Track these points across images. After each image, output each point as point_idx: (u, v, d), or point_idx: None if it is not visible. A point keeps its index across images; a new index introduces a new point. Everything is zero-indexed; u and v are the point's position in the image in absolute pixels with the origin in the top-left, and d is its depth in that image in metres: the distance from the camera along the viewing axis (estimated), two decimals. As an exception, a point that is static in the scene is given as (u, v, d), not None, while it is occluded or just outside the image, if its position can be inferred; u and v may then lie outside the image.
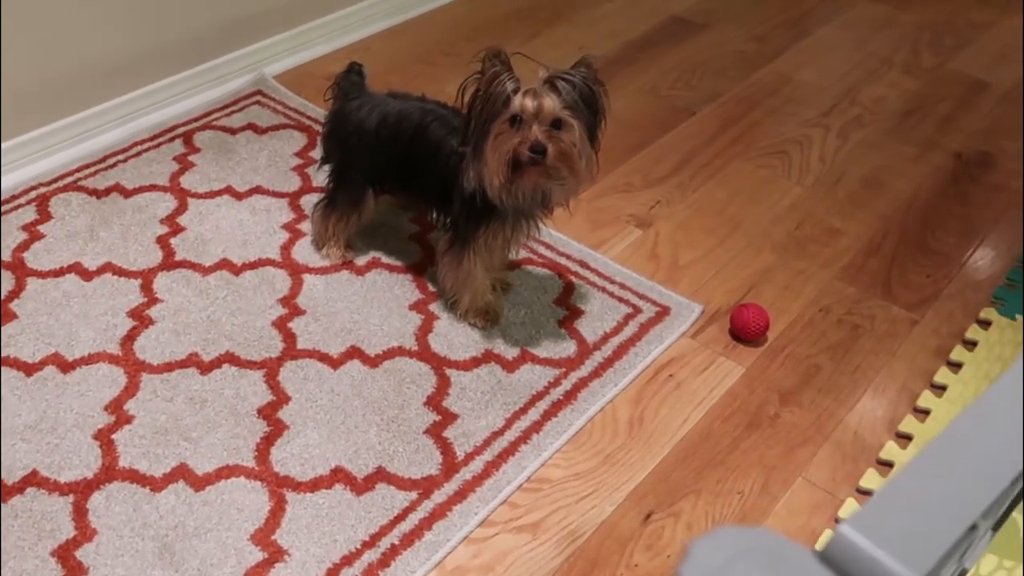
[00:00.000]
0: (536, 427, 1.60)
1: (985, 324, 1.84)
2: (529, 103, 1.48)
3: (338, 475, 1.50)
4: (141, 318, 1.75)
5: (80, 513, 1.42)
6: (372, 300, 1.82)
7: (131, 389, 1.62)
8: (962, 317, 1.87)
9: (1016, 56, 2.81)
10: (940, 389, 1.70)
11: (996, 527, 0.72)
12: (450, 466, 1.53)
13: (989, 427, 0.40)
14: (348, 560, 1.39)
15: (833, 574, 0.34)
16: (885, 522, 0.35)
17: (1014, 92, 2.63)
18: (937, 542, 0.35)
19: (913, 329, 1.84)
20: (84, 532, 1.40)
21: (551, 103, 1.48)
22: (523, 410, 1.63)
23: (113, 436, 1.54)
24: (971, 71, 2.74)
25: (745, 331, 1.77)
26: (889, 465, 1.57)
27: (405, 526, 1.44)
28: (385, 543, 1.41)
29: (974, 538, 0.38)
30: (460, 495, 1.49)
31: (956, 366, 1.75)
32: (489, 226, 1.64)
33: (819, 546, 1.40)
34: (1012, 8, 3.07)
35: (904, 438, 1.62)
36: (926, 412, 1.66)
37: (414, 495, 1.48)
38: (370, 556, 1.39)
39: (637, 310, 1.83)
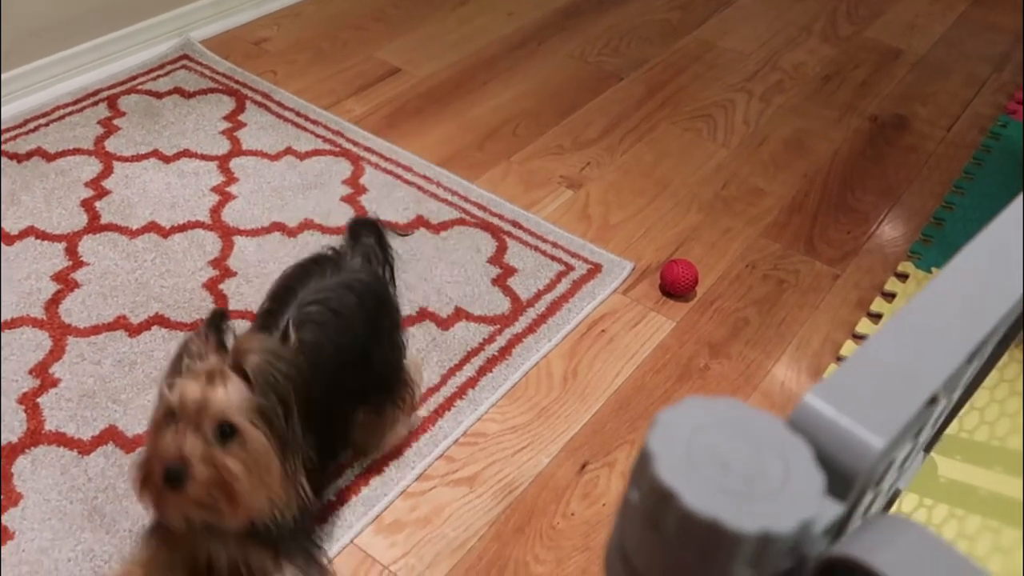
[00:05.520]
0: (471, 383, 1.61)
1: (903, 277, 1.91)
2: (190, 393, 1.02)
3: (274, 434, 1.48)
4: (66, 281, 1.70)
5: (5, 478, 1.38)
6: (304, 261, 1.80)
7: (56, 352, 1.57)
8: (881, 271, 1.94)
9: (925, 25, 2.90)
10: (861, 339, 1.77)
11: (928, 448, 0.75)
12: (387, 422, 1.53)
13: (950, 301, 0.42)
14: (287, 517, 1.38)
15: (800, 437, 0.35)
16: (850, 390, 0.37)
17: (926, 59, 2.72)
18: (901, 409, 0.36)
19: (835, 283, 1.90)
20: (9, 497, 1.36)
21: (223, 397, 1.02)
22: (458, 366, 1.64)
23: (38, 400, 1.49)
24: (885, 39, 2.82)
25: (675, 286, 1.80)
26: (814, 412, 1.62)
27: (341, 482, 1.43)
28: (322, 499, 1.40)
29: (929, 416, 0.40)
30: (396, 451, 1.49)
31: (876, 317, 1.81)
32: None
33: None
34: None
35: (828, 386, 1.67)
36: (848, 361, 1.72)
37: (349, 452, 1.48)
38: (309, 512, 1.38)
39: (569, 268, 1.85)
